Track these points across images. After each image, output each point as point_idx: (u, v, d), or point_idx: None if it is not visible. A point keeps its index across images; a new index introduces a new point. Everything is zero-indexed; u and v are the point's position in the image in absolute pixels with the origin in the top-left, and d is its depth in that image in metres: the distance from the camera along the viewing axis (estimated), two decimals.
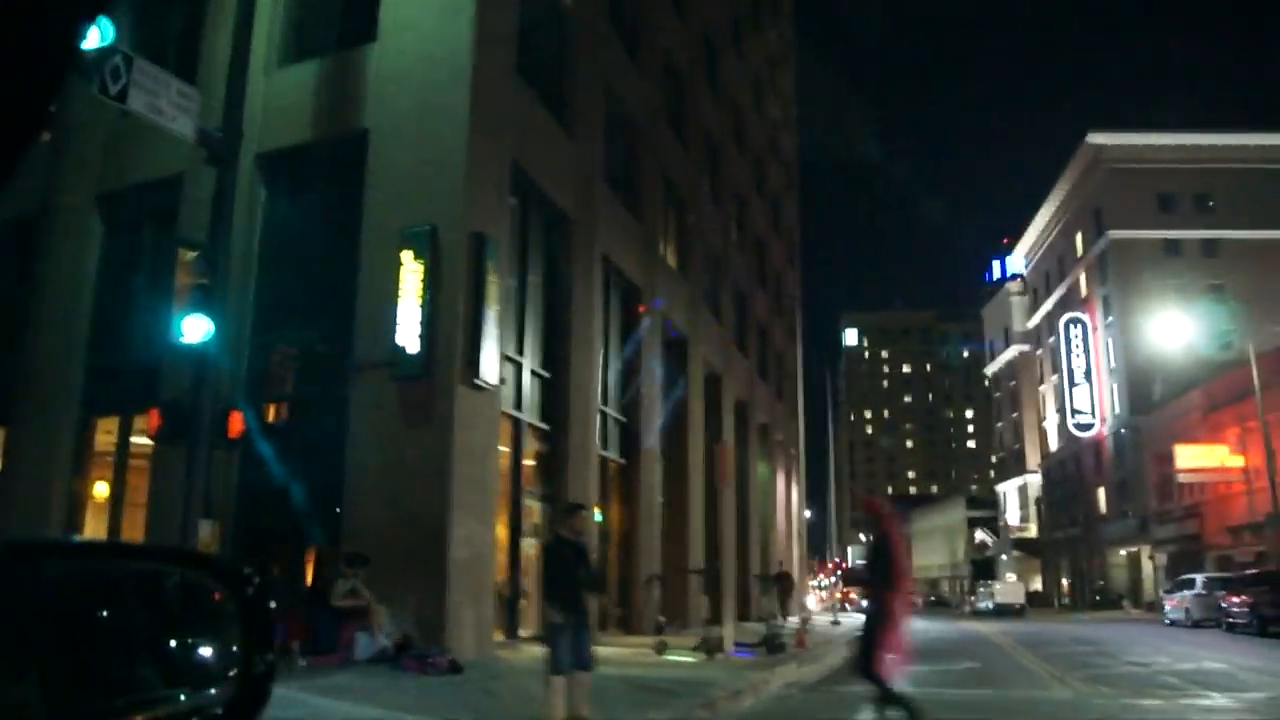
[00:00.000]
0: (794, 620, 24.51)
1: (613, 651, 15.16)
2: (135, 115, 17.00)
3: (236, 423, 11.98)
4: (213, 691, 1.69)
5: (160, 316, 15.22)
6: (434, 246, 12.59)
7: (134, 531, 16.02)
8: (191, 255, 11.68)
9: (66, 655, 1.58)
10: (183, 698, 1.70)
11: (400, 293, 12.53)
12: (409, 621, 11.58)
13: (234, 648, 1.69)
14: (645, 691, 10.31)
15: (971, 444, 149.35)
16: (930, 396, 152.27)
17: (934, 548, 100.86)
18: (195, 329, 11.49)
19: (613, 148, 19.38)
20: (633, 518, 19.94)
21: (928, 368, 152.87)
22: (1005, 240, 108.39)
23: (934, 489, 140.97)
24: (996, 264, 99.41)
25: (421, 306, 12.42)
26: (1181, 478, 41.61)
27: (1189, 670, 15.43)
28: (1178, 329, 46.65)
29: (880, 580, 6.96)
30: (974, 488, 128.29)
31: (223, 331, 11.68)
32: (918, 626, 37.50)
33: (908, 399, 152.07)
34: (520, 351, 15.40)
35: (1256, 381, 32.90)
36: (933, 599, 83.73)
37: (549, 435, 16.34)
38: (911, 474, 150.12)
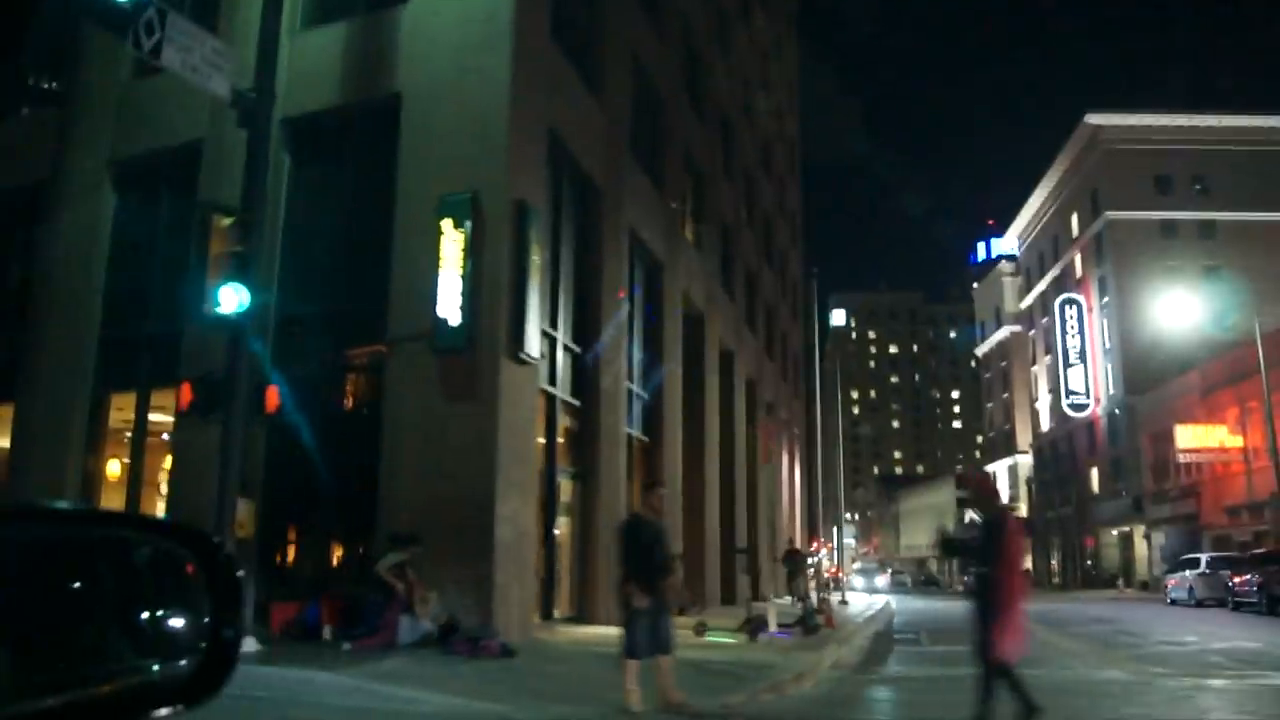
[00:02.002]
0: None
1: None
2: (148, 79, 16.53)
3: (273, 397, 11.53)
4: (184, 662, 1.65)
5: (180, 287, 14.72)
6: (476, 214, 12.12)
7: (153, 511, 15.54)
8: (227, 221, 11.17)
9: (34, 623, 1.53)
10: (155, 668, 1.67)
11: (440, 262, 12.05)
12: (453, 603, 11.20)
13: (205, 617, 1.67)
14: (708, 675, 9.99)
15: (957, 424, 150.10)
16: (917, 377, 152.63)
17: (922, 527, 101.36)
18: (230, 299, 11.04)
19: (637, 119, 18.88)
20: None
21: (915, 348, 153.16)
22: (990, 222, 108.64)
23: (920, 469, 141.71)
24: (981, 246, 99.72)
25: (463, 277, 11.95)
26: (1182, 457, 41.72)
27: (1228, 649, 15.31)
28: (1175, 310, 46.75)
29: (996, 561, 6.65)
30: (959, 468, 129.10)
31: (258, 301, 11.21)
32: (925, 607, 37.69)
33: (894, 379, 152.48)
34: (554, 325, 14.96)
35: (1262, 361, 32.87)
36: (922, 579, 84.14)
37: (580, 411, 15.94)
38: (898, 454, 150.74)
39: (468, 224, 12.10)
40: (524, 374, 12.62)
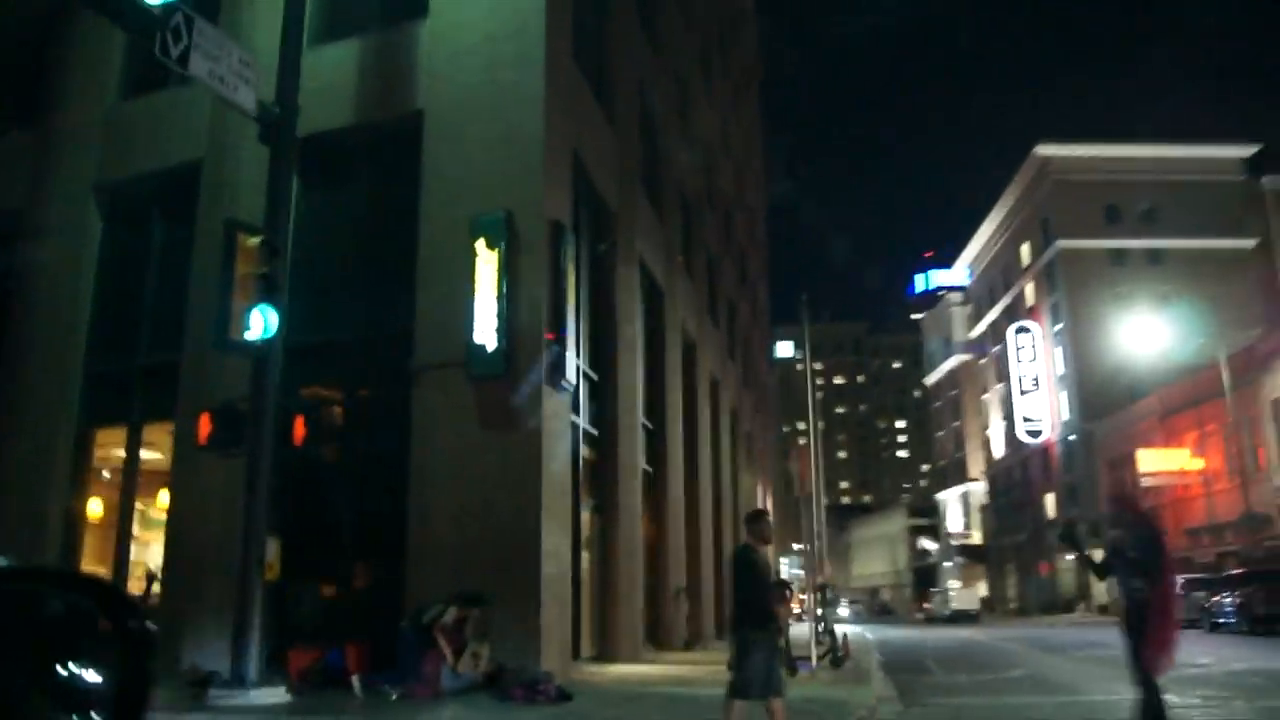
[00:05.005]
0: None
1: (673, 670, 14.27)
2: (135, 101, 15.77)
3: (300, 428, 10.84)
4: (95, 717, 1.64)
5: (174, 316, 13.93)
6: (510, 235, 11.60)
7: (148, 555, 14.57)
8: (253, 241, 10.53)
9: None
10: None
11: (475, 285, 11.49)
12: (498, 645, 10.53)
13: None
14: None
15: (903, 454, 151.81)
16: (862, 407, 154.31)
17: (875, 556, 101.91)
18: (258, 323, 10.36)
19: (641, 146, 18.57)
20: (660, 528, 19.07)
21: (859, 379, 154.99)
22: (927, 254, 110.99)
23: (866, 499, 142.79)
24: (920, 278, 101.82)
25: (499, 299, 11.40)
26: (1145, 481, 42.40)
27: (1251, 669, 15.24)
28: (1129, 336, 47.93)
29: (1159, 574, 6.39)
30: (905, 496, 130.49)
31: (284, 325, 10.55)
32: (899, 635, 37.52)
33: (840, 410, 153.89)
34: (576, 353, 14.44)
35: (1227, 384, 33.66)
36: (878, 608, 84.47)
37: (598, 441, 15.39)
38: (845, 484, 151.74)
39: (502, 245, 11.57)
40: (561, 401, 12.08)
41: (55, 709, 1.68)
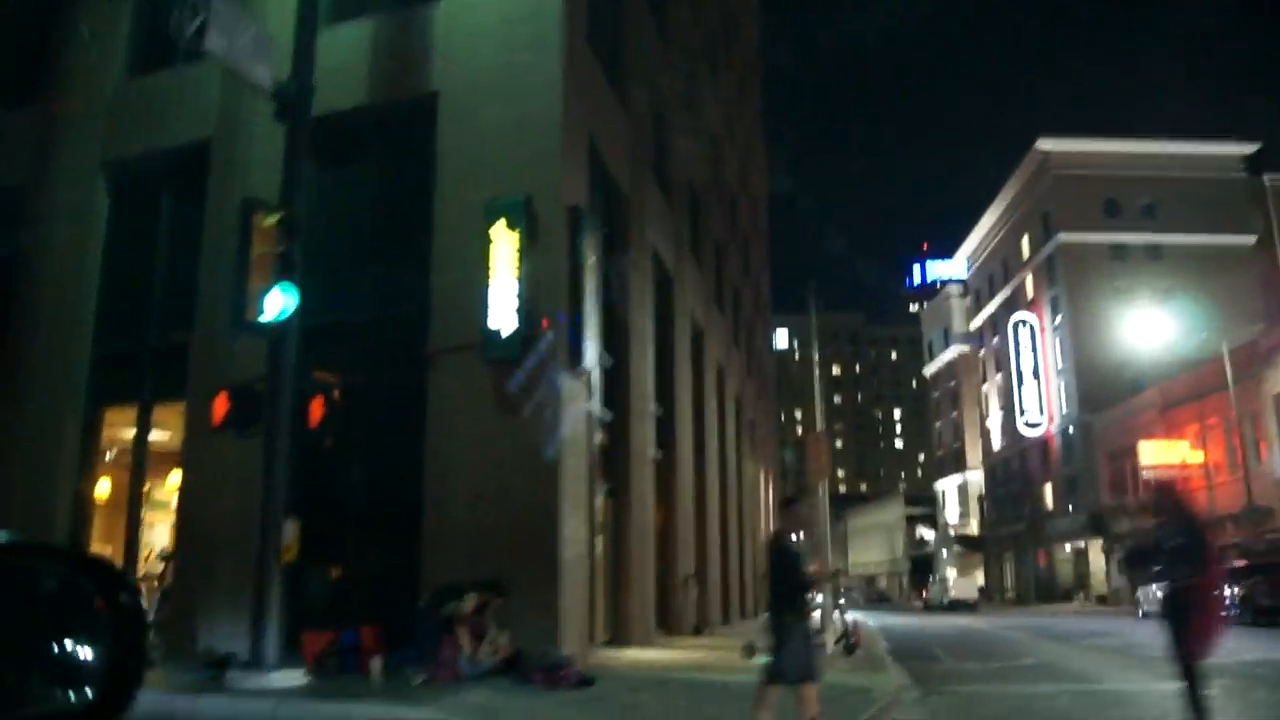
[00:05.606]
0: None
1: (687, 655, 14.25)
2: (142, 78, 15.60)
3: (317, 409, 10.73)
4: (89, 693, 1.66)
5: (183, 295, 13.81)
6: (529, 218, 11.49)
7: (158, 536, 14.49)
8: (270, 220, 10.39)
9: None
10: (72, 697, 1.69)
11: (491, 269, 11.38)
12: (516, 629, 10.46)
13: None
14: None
15: (899, 444, 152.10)
16: (859, 397, 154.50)
17: (872, 545, 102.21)
18: (275, 302, 10.24)
19: (651, 133, 18.42)
20: (670, 514, 19.01)
21: (857, 369, 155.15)
22: (924, 246, 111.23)
23: (863, 487, 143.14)
24: (917, 268, 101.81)
25: (519, 281, 11.29)
26: (1146, 473, 42.44)
27: (1258, 660, 15.23)
28: (1129, 329, 47.94)
29: (1207, 564, 6.37)
30: (903, 485, 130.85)
31: (301, 305, 10.43)
32: (901, 623, 37.59)
33: (837, 399, 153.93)
34: (591, 338, 14.34)
35: (1229, 378, 33.67)
36: (875, 596, 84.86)
37: (610, 426, 15.30)
38: (841, 473, 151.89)
39: (521, 228, 11.46)
40: (578, 387, 11.99)
41: (48, 683, 1.69)
